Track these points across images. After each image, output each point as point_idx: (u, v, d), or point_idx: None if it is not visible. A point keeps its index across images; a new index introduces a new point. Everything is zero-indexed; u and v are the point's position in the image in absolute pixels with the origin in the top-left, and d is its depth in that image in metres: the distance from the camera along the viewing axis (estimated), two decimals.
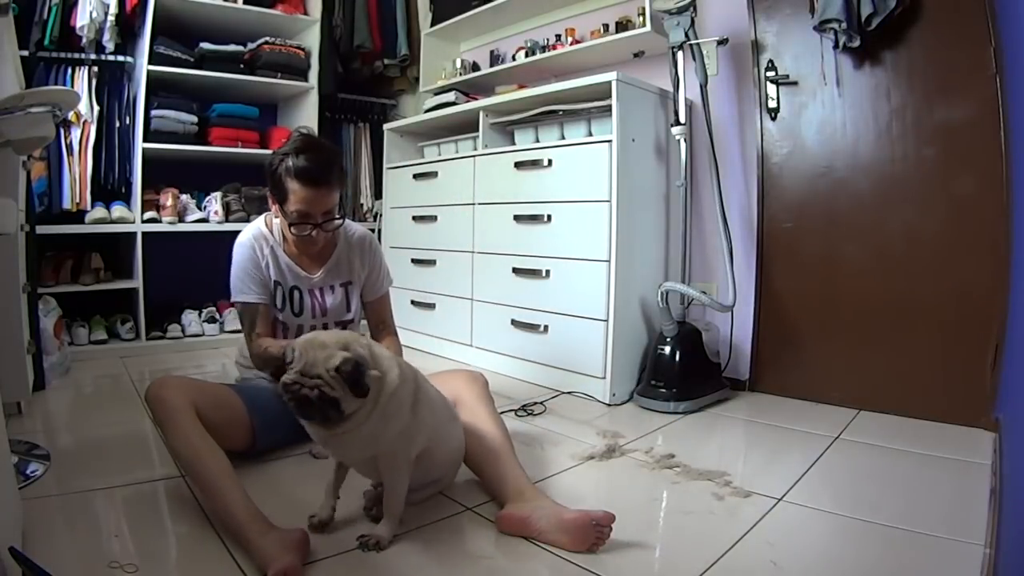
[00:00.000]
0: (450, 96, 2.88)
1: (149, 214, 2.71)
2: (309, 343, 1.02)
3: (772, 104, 2.12)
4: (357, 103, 3.52)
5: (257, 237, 1.50)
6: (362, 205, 3.49)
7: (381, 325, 1.65)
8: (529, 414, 1.87)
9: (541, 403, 1.94)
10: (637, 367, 2.14)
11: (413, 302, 2.88)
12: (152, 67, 2.61)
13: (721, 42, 2.09)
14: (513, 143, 2.46)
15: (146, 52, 2.59)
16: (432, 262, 2.77)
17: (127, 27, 2.65)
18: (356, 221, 3.45)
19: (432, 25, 3.18)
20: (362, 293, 1.62)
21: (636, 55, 2.50)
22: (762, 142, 2.15)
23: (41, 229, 2.30)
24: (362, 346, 1.05)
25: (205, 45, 2.85)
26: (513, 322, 2.35)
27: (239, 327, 2.87)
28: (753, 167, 2.17)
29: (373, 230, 3.33)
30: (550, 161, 2.20)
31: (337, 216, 1.45)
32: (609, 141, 2.00)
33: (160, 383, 1.23)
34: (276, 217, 1.49)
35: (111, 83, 2.67)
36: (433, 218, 2.77)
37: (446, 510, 1.23)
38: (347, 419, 1.01)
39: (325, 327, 1.51)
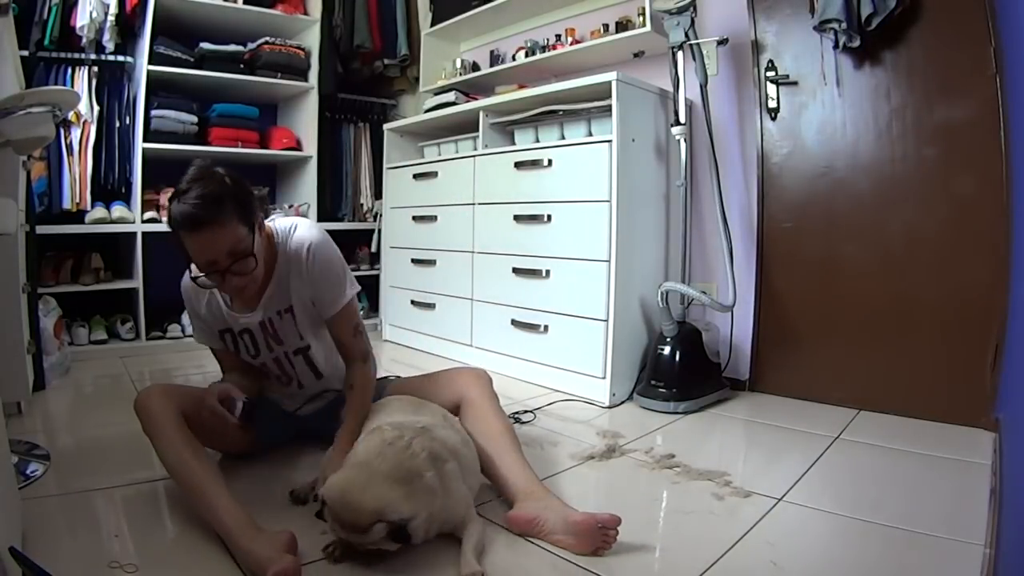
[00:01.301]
0: (450, 96, 2.88)
1: (149, 214, 2.71)
2: (337, 511, 0.96)
3: (772, 104, 2.12)
4: (357, 103, 3.52)
5: (193, 284, 1.32)
6: (362, 205, 3.49)
7: (344, 350, 1.37)
8: (517, 421, 1.79)
9: (532, 411, 1.90)
10: (637, 367, 2.14)
11: (413, 302, 2.88)
12: (152, 67, 2.61)
13: (721, 42, 2.09)
14: (513, 143, 2.46)
15: (146, 52, 2.59)
16: (432, 262, 2.77)
17: (127, 27, 2.65)
18: (356, 221, 3.46)
19: (432, 25, 3.18)
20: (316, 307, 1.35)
21: (636, 55, 2.50)
22: (762, 142, 2.15)
23: (41, 229, 2.30)
24: (429, 490, 1.00)
25: (205, 45, 2.85)
26: (513, 322, 2.35)
27: None
28: (753, 167, 2.17)
29: (373, 230, 3.35)
30: (550, 161, 2.20)
31: (250, 253, 1.18)
32: (609, 141, 2.00)
33: (147, 392, 1.22)
34: None
35: (111, 83, 2.67)
36: (433, 218, 2.77)
37: None
38: (409, 543, 0.98)
39: (286, 355, 1.38)
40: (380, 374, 1.63)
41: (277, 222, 1.37)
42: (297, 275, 1.31)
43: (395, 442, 1.05)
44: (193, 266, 1.22)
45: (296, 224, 1.35)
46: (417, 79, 3.30)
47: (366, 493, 0.97)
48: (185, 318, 2.85)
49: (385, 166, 3.14)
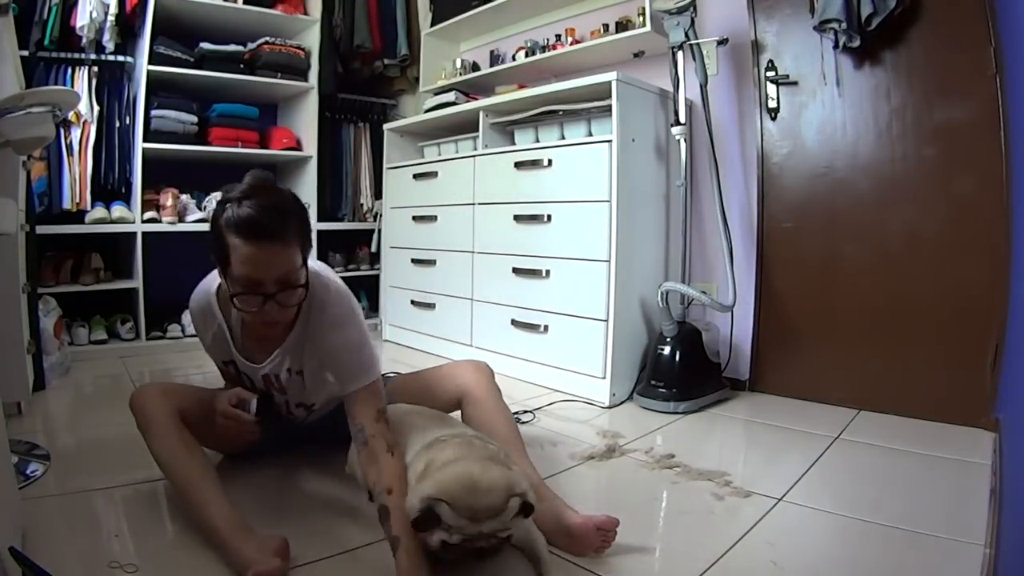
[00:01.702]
0: (450, 96, 2.88)
1: (149, 214, 2.71)
2: (469, 500, 0.88)
3: (772, 104, 2.12)
4: (357, 103, 3.52)
5: (203, 311, 1.22)
6: (362, 205, 3.49)
7: (361, 434, 1.08)
8: (517, 421, 1.76)
9: (532, 411, 1.90)
10: (637, 367, 2.14)
11: (413, 302, 2.88)
12: (152, 67, 2.61)
13: (721, 42, 2.09)
14: (513, 143, 2.46)
15: (146, 52, 2.59)
16: (432, 262, 2.77)
17: (127, 27, 2.65)
18: (356, 221, 3.46)
19: (432, 25, 3.18)
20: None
21: (636, 55, 2.50)
22: (762, 142, 2.15)
23: (41, 229, 2.30)
24: (513, 471, 0.96)
25: (205, 45, 2.85)
26: (513, 322, 2.35)
27: None
28: (753, 167, 2.17)
29: (373, 230, 3.34)
30: (550, 161, 2.20)
31: (299, 284, 1.07)
32: (609, 141, 2.00)
33: (142, 391, 1.20)
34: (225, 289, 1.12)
35: (111, 83, 2.67)
36: (433, 218, 2.77)
37: None
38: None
39: (287, 403, 1.30)
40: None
41: (312, 269, 1.17)
42: (316, 337, 1.16)
43: (471, 442, 1.02)
44: (229, 283, 1.06)
45: (331, 284, 1.18)
46: (417, 79, 3.30)
47: (488, 473, 0.91)
48: (185, 318, 2.85)
49: (385, 166, 3.14)
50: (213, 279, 1.21)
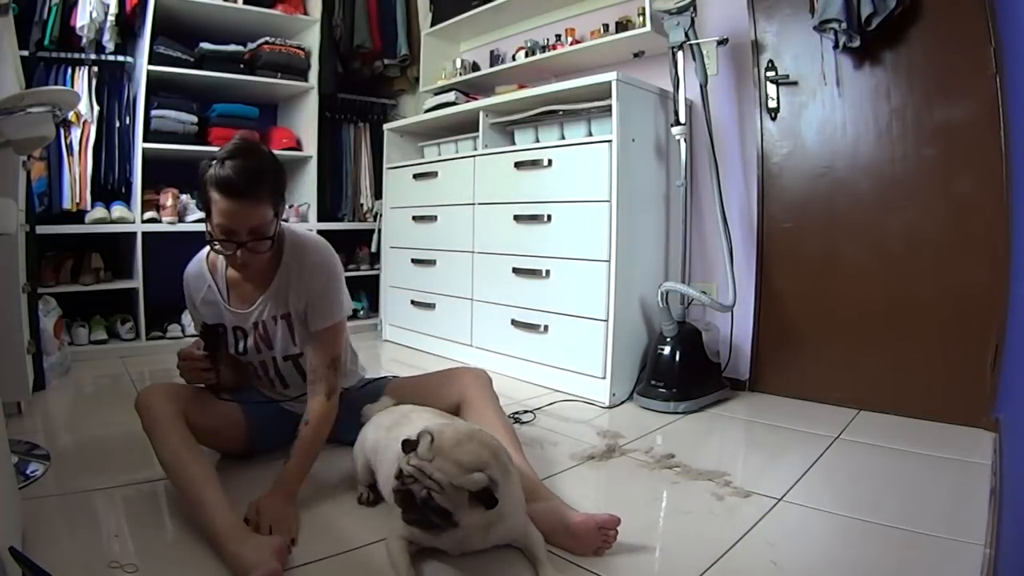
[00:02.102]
0: (450, 96, 2.88)
1: (149, 214, 2.71)
2: (454, 442, 0.94)
3: (772, 104, 2.12)
4: (357, 103, 3.52)
5: (195, 274, 1.36)
6: (362, 205, 3.49)
7: (312, 374, 1.30)
8: (517, 421, 1.79)
9: (532, 411, 1.90)
10: (637, 367, 2.14)
11: (413, 302, 2.88)
12: (152, 67, 2.61)
13: (721, 42, 2.09)
14: (513, 143, 2.46)
15: (146, 52, 2.59)
16: (432, 262, 2.77)
17: (127, 27, 2.65)
18: (356, 221, 3.46)
19: (432, 25, 3.18)
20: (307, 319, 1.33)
21: (636, 55, 2.50)
22: (762, 142, 2.15)
23: (41, 229, 2.30)
24: (497, 458, 0.98)
25: (205, 45, 2.85)
26: (513, 322, 2.35)
27: None
28: (753, 167, 2.17)
29: (373, 230, 3.35)
30: (550, 161, 2.20)
31: (267, 236, 1.22)
32: (609, 141, 2.00)
33: (148, 391, 1.22)
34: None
35: (111, 83, 2.67)
36: (433, 218, 2.77)
37: None
38: (456, 527, 0.94)
39: (274, 360, 1.37)
40: (380, 374, 1.63)
41: (295, 229, 1.38)
42: (298, 280, 1.31)
43: (475, 432, 1.03)
44: (210, 230, 1.22)
45: (313, 240, 1.37)
46: (417, 79, 3.31)
47: (473, 444, 0.96)
48: (185, 317, 2.86)
49: (385, 166, 3.14)
50: (199, 253, 1.39)
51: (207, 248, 1.34)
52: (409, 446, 0.97)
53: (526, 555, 1.03)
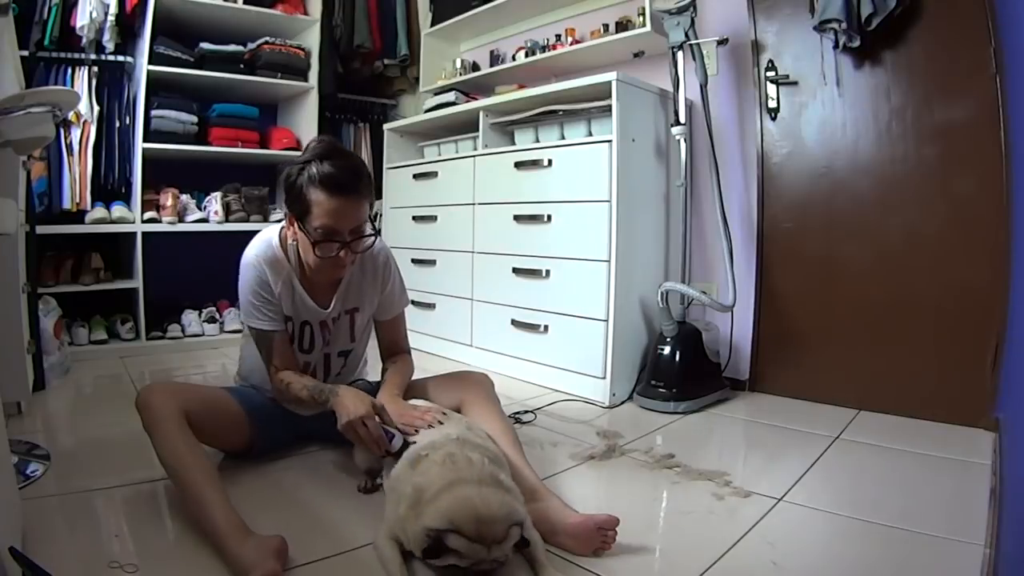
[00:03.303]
0: (450, 96, 2.88)
1: (149, 214, 2.71)
2: (478, 531, 0.90)
3: (772, 104, 2.12)
4: (357, 103, 3.52)
5: (271, 261, 1.32)
6: None
7: (394, 347, 1.50)
8: (517, 421, 1.80)
9: (532, 411, 1.90)
10: (637, 367, 2.14)
11: (413, 302, 2.86)
12: (152, 67, 2.61)
13: (721, 42, 2.09)
14: (513, 143, 2.46)
15: (146, 52, 2.59)
16: (432, 262, 2.77)
17: (127, 27, 2.65)
18: None
19: (432, 25, 3.18)
20: (374, 313, 1.47)
21: (636, 55, 2.50)
22: (762, 142, 2.15)
23: (41, 229, 2.30)
24: (507, 488, 0.99)
25: (205, 45, 2.85)
26: (513, 322, 2.35)
27: (239, 328, 2.89)
28: (753, 167, 2.17)
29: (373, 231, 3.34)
30: (550, 161, 2.20)
31: (369, 232, 1.27)
32: (609, 141, 2.00)
33: (149, 389, 1.21)
34: (293, 240, 1.29)
35: (111, 83, 2.67)
36: (433, 218, 2.77)
37: None
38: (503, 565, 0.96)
39: (327, 359, 1.44)
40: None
41: None
42: (372, 279, 1.40)
43: (455, 459, 1.02)
44: (309, 231, 1.21)
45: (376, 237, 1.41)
46: (417, 79, 3.31)
47: (492, 501, 0.94)
48: (185, 317, 2.86)
49: (385, 166, 3.13)
50: (264, 238, 1.35)
51: (270, 236, 1.35)
52: (435, 551, 0.91)
53: (525, 556, 1.03)
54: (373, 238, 1.29)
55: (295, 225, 1.26)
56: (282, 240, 1.35)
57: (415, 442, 1.16)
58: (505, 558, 0.94)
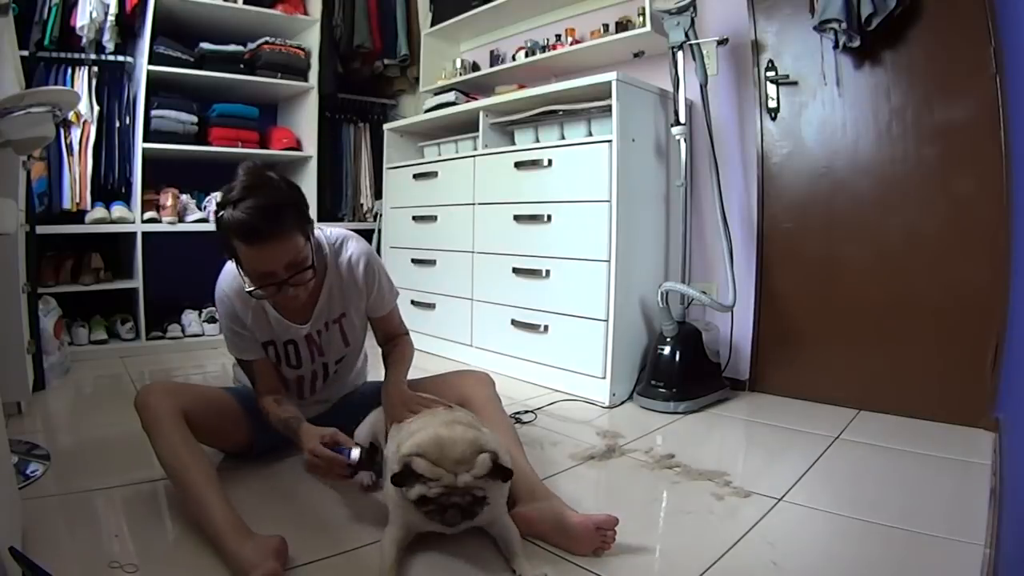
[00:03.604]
0: (450, 96, 2.88)
1: (149, 214, 2.71)
2: (440, 453, 0.96)
3: (772, 104, 2.12)
4: (357, 103, 3.52)
5: (238, 292, 1.26)
6: (362, 205, 3.49)
7: (391, 335, 1.49)
8: (517, 421, 1.79)
9: (532, 411, 1.91)
10: (637, 367, 2.14)
11: (413, 302, 2.87)
12: (152, 67, 2.61)
13: (721, 42, 2.09)
14: (513, 143, 2.46)
15: (146, 52, 2.59)
16: (432, 262, 2.77)
17: (127, 27, 2.65)
18: (356, 221, 3.46)
19: (432, 25, 3.18)
20: (367, 310, 1.44)
21: (636, 55, 2.50)
22: (762, 142, 2.15)
23: (41, 229, 2.30)
24: (483, 432, 1.05)
25: (205, 45, 2.85)
26: (513, 322, 2.35)
27: None
28: (753, 167, 2.17)
29: (373, 230, 3.35)
30: (550, 161, 2.20)
31: (307, 266, 1.18)
32: (609, 141, 2.00)
33: (148, 389, 1.21)
34: None
35: (111, 83, 2.67)
36: (433, 218, 2.77)
37: None
38: (489, 504, 1.00)
39: (325, 367, 1.42)
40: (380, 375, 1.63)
41: (324, 232, 1.36)
42: (352, 287, 1.35)
43: (436, 412, 1.09)
44: (245, 277, 1.18)
45: (344, 237, 1.38)
46: (417, 79, 3.31)
47: (457, 430, 1.01)
48: (185, 317, 2.86)
49: (385, 166, 3.13)
50: (230, 268, 1.28)
51: (234, 271, 1.26)
52: (403, 476, 0.98)
53: (501, 547, 1.04)
54: (310, 270, 1.19)
55: (238, 269, 1.20)
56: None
57: (379, 445, 1.23)
58: (479, 491, 0.97)
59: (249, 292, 1.18)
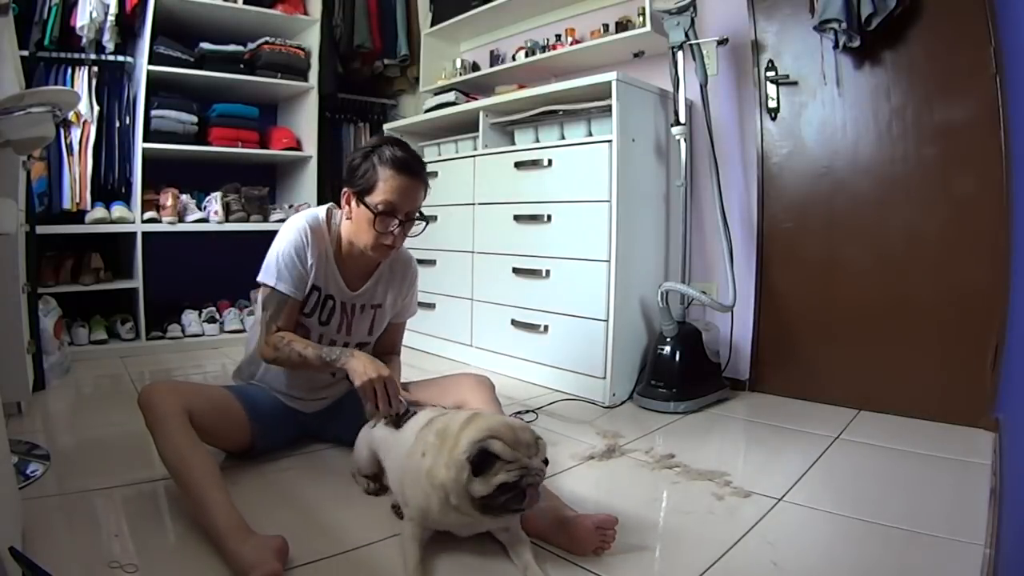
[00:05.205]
0: (450, 96, 2.88)
1: (149, 214, 2.71)
2: (514, 436, 0.97)
3: (772, 104, 2.12)
4: (357, 103, 3.52)
5: (315, 230, 1.36)
6: None
7: (390, 347, 1.56)
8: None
9: (532, 411, 1.91)
10: (637, 367, 2.14)
11: None
12: (152, 67, 2.61)
13: (721, 42, 2.09)
14: (513, 143, 2.46)
15: (146, 52, 2.59)
16: (432, 262, 2.77)
17: (127, 27, 2.65)
18: None
19: (432, 25, 3.18)
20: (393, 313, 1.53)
21: (636, 55, 2.50)
22: (762, 142, 2.15)
23: (41, 229, 2.30)
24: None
25: (205, 45, 2.85)
26: (513, 322, 2.35)
27: (239, 328, 2.89)
28: (753, 167, 2.17)
29: None
30: (550, 161, 2.20)
31: (423, 218, 1.36)
32: (609, 141, 2.00)
33: (151, 388, 1.21)
34: (347, 217, 1.35)
35: (111, 83, 2.67)
36: (433, 218, 2.76)
37: None
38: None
39: (345, 346, 1.41)
40: None
41: None
42: (400, 281, 1.49)
43: (458, 420, 1.08)
44: (365, 206, 1.29)
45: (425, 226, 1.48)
46: (417, 79, 3.31)
47: (509, 418, 1.04)
48: (185, 317, 2.86)
49: None
50: (312, 211, 1.40)
51: (317, 211, 1.40)
52: (482, 461, 0.94)
53: (512, 556, 1.03)
54: (424, 223, 1.36)
55: (353, 202, 1.32)
56: (328, 217, 1.40)
57: (415, 412, 1.22)
58: (543, 473, 0.98)
59: (375, 215, 1.27)
